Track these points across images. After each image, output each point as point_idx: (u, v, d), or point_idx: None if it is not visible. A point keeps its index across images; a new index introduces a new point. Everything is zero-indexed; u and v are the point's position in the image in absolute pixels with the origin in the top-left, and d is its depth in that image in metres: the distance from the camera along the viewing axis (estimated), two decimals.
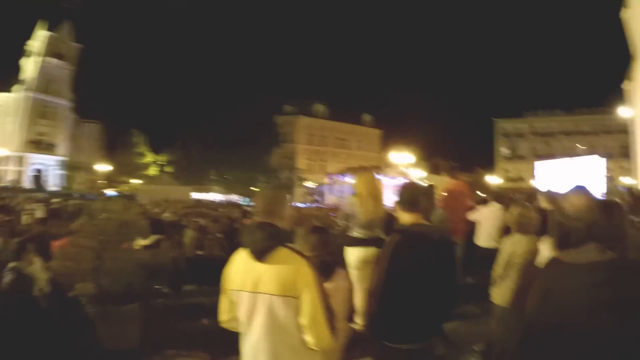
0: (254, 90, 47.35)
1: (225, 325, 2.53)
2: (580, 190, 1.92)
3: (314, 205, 33.57)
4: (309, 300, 2.22)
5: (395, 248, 2.77)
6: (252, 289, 2.27)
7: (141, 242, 6.95)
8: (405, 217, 2.93)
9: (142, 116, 64.40)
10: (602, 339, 1.61)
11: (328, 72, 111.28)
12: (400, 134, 42.90)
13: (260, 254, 2.27)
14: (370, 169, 5.73)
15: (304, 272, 2.25)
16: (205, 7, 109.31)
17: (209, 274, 6.40)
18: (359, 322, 5.11)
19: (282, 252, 2.29)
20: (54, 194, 29.87)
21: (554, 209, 1.89)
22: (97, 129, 56.72)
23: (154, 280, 5.73)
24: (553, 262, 1.87)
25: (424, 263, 2.74)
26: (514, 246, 4.58)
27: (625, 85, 21.62)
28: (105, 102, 65.83)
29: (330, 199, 31.25)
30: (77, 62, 50.35)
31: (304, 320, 2.23)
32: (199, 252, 6.93)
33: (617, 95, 23.99)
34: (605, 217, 2.00)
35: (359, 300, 5.07)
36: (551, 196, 7.26)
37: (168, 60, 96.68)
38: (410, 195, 2.99)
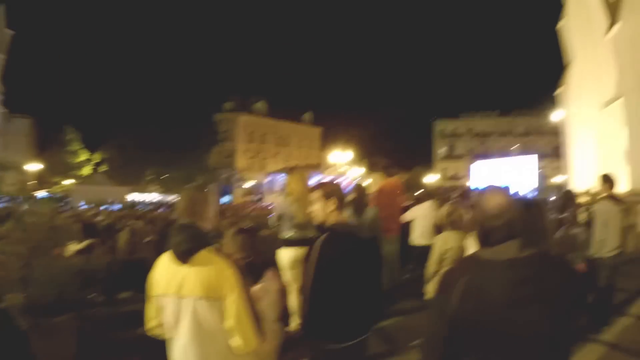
0: (193, 87, 46.23)
1: (152, 332, 2.48)
2: (497, 189, 1.95)
3: (254, 204, 33.48)
4: (233, 303, 2.20)
5: (322, 247, 2.78)
6: (176, 293, 2.25)
7: (73, 248, 6.69)
8: (333, 216, 2.95)
9: (75, 111, 61.68)
10: (521, 335, 1.66)
11: (268, 70, 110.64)
12: (340, 133, 43.39)
13: (182, 257, 2.24)
14: (302, 169, 5.64)
15: (227, 274, 2.23)
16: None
17: (145, 280, 6.26)
18: (294, 323, 5.18)
19: (205, 254, 2.26)
20: None
21: (475, 208, 1.94)
22: (27, 124, 53.52)
23: (88, 288, 5.53)
24: (472, 259, 1.89)
25: (351, 260, 2.77)
26: (445, 243, 4.82)
27: (558, 91, 23.02)
28: (37, 95, 62.56)
29: (269, 199, 31.27)
30: (8, 51, 47.18)
31: (229, 322, 2.21)
32: (134, 257, 6.73)
33: (550, 99, 25.41)
34: (525, 215, 2.12)
35: (293, 301, 5.13)
36: (472, 195, 7.64)
37: (103, 53, 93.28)
38: (340, 192, 3.03)
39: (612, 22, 12.91)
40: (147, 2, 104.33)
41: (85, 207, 19.25)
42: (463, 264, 1.95)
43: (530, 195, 15.14)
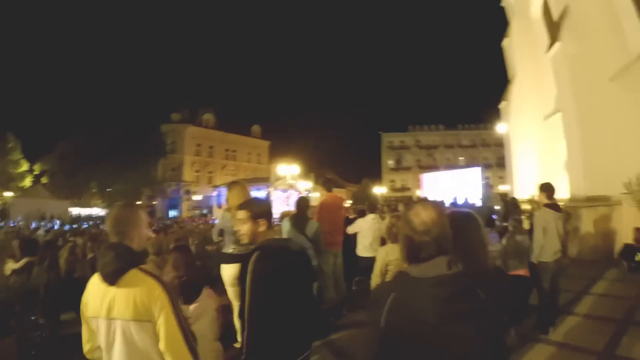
0: (141, 97, 45.00)
1: (89, 356, 2.41)
2: (429, 203, 1.88)
3: (201, 219, 32.89)
4: (164, 324, 2.14)
5: (254, 266, 2.72)
6: (107, 315, 2.18)
7: (11, 266, 6.43)
8: (262, 235, 2.90)
9: (16, 119, 58.88)
10: (451, 351, 1.65)
11: (216, 81, 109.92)
12: (289, 146, 43.46)
13: (110, 278, 2.17)
14: (243, 182, 5.56)
15: (157, 295, 2.15)
16: (94, 3, 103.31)
17: None
18: (240, 340, 5.15)
19: (134, 274, 2.19)
20: None
21: (401, 223, 1.92)
22: None
23: (29, 310, 5.31)
24: (400, 275, 1.83)
25: (284, 275, 2.72)
26: (387, 255, 4.95)
27: (502, 105, 24.10)
28: None
29: (217, 213, 30.74)
30: None
31: (161, 345, 2.16)
32: (75, 275, 6.49)
33: (494, 112, 26.40)
34: (462, 230, 2.15)
35: (236, 317, 5.11)
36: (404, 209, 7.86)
37: (47, 59, 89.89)
38: (268, 209, 2.98)
39: (553, 41, 13.64)
40: (95, 8, 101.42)
41: (22, 222, 18.35)
42: (392, 281, 1.92)
43: (472, 205, 15.70)
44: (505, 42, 23.31)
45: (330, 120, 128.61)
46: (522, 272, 5.90)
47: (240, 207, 2.98)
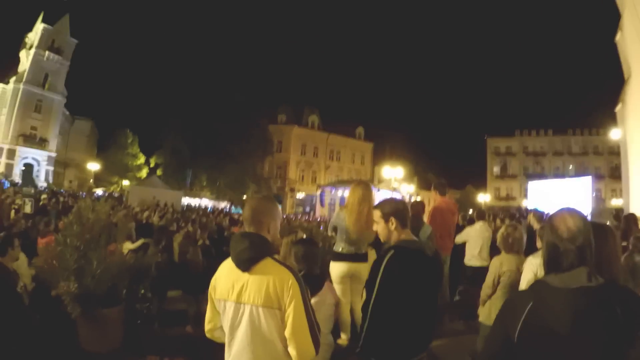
0: (249, 97, 47.00)
1: (209, 334, 2.51)
2: (574, 211, 1.84)
3: (304, 217, 33.54)
4: (292, 313, 2.20)
5: (387, 264, 2.73)
6: (237, 299, 2.25)
7: (129, 246, 6.88)
8: (396, 234, 2.90)
9: (134, 116, 64.10)
10: (577, 357, 1.60)
11: (322, 83, 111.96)
12: (392, 149, 43.12)
13: (245, 264, 2.25)
14: (365, 182, 5.52)
15: (289, 284, 2.22)
16: (203, 8, 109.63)
17: (194, 282, 6.34)
18: (344, 336, 5.10)
19: (268, 263, 2.27)
20: (43, 190, 29.55)
21: (546, 229, 1.81)
22: (88, 126, 56.22)
23: (139, 285, 5.65)
24: (539, 285, 1.79)
25: (416, 278, 2.73)
26: (501, 265, 4.66)
27: (618, 107, 21.98)
28: (98, 99, 65.34)
29: (320, 211, 31.27)
30: (72, 57, 49.91)
31: (287, 332, 2.22)
32: (184, 259, 6.87)
33: (608, 117, 24.31)
34: (598, 241, 1.99)
35: (343, 314, 5.05)
36: (541, 216, 7.32)
37: (162, 61, 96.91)
38: (401, 210, 2.96)
39: None
40: (207, 14, 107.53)
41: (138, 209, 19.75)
42: (529, 290, 1.84)
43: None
44: (618, 37, 21.08)
45: (434, 123, 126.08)
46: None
47: (375, 206, 3.04)
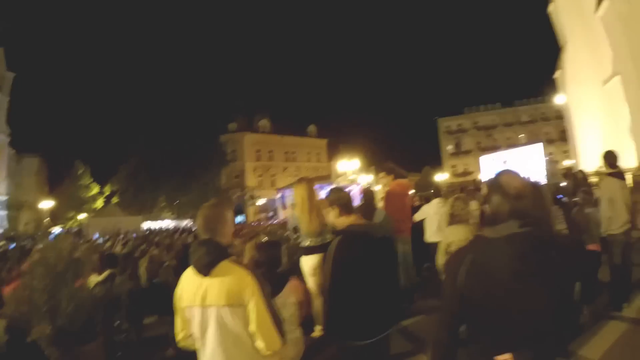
0: (196, 111, 46.54)
1: (182, 344, 2.64)
2: (515, 172, 1.99)
3: (268, 221, 33.42)
4: (255, 308, 2.36)
5: (336, 249, 2.88)
6: (202, 303, 2.41)
7: (95, 279, 6.81)
8: (342, 220, 3.06)
9: (83, 146, 62.20)
10: (524, 308, 1.72)
11: (269, 87, 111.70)
12: (346, 142, 43.48)
13: (204, 269, 2.40)
14: (304, 178, 5.77)
15: (247, 282, 2.39)
16: (141, 25, 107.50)
17: (167, 303, 6.32)
18: (317, 328, 5.26)
19: (225, 265, 2.43)
20: None
21: (492, 190, 1.94)
22: (36, 163, 54.02)
23: (113, 317, 5.64)
24: (476, 238, 1.97)
25: (366, 259, 2.86)
26: (452, 236, 4.91)
27: (557, 74, 22.83)
28: (43, 134, 63.05)
29: (283, 213, 31.22)
30: (12, 92, 47.62)
31: (252, 327, 2.37)
32: (154, 282, 6.86)
33: (550, 84, 25.16)
34: (538, 199, 2.21)
35: (317, 306, 5.23)
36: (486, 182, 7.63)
37: (103, 86, 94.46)
38: (343, 198, 3.13)
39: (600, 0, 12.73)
40: (144, 30, 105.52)
41: (101, 239, 19.34)
42: (468, 244, 2.00)
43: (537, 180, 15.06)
44: (551, 8, 21.98)
45: (384, 111, 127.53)
46: (593, 246, 5.60)
47: (324, 198, 3.25)
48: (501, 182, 1.91)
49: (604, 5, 12.48)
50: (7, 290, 6.76)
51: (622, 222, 5.48)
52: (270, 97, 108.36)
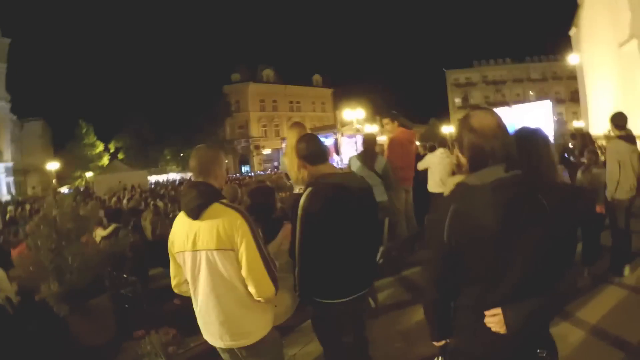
0: (199, 62, 46.13)
1: (176, 290, 2.61)
2: (487, 109, 1.80)
3: (272, 171, 33.46)
4: (245, 252, 2.27)
5: (305, 202, 2.64)
6: (192, 248, 2.34)
7: (101, 233, 6.89)
8: (314, 170, 2.79)
9: (85, 105, 61.79)
10: (517, 258, 1.60)
11: (273, 36, 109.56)
12: (352, 92, 42.96)
13: (194, 212, 2.32)
14: (298, 122, 5.47)
15: (238, 225, 2.28)
16: None
17: None
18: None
19: (216, 208, 2.33)
20: (8, 203, 28.66)
21: (464, 132, 1.75)
22: (40, 126, 53.83)
23: (119, 270, 5.70)
24: (460, 186, 1.75)
25: (339, 213, 2.62)
26: (452, 186, 4.85)
27: (572, 32, 22.14)
28: (43, 97, 62.57)
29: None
30: (9, 58, 46.97)
31: (243, 271, 2.30)
32: (159, 234, 6.92)
33: (564, 42, 24.43)
34: (529, 144, 2.04)
35: None
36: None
37: (103, 43, 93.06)
38: (314, 147, 2.82)
39: None
40: None
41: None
42: (451, 193, 1.82)
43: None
44: None
45: (392, 61, 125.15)
46: (598, 208, 5.47)
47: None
48: (471, 121, 1.72)
49: None
50: (15, 253, 6.87)
51: (630, 186, 5.24)
52: (275, 46, 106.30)
